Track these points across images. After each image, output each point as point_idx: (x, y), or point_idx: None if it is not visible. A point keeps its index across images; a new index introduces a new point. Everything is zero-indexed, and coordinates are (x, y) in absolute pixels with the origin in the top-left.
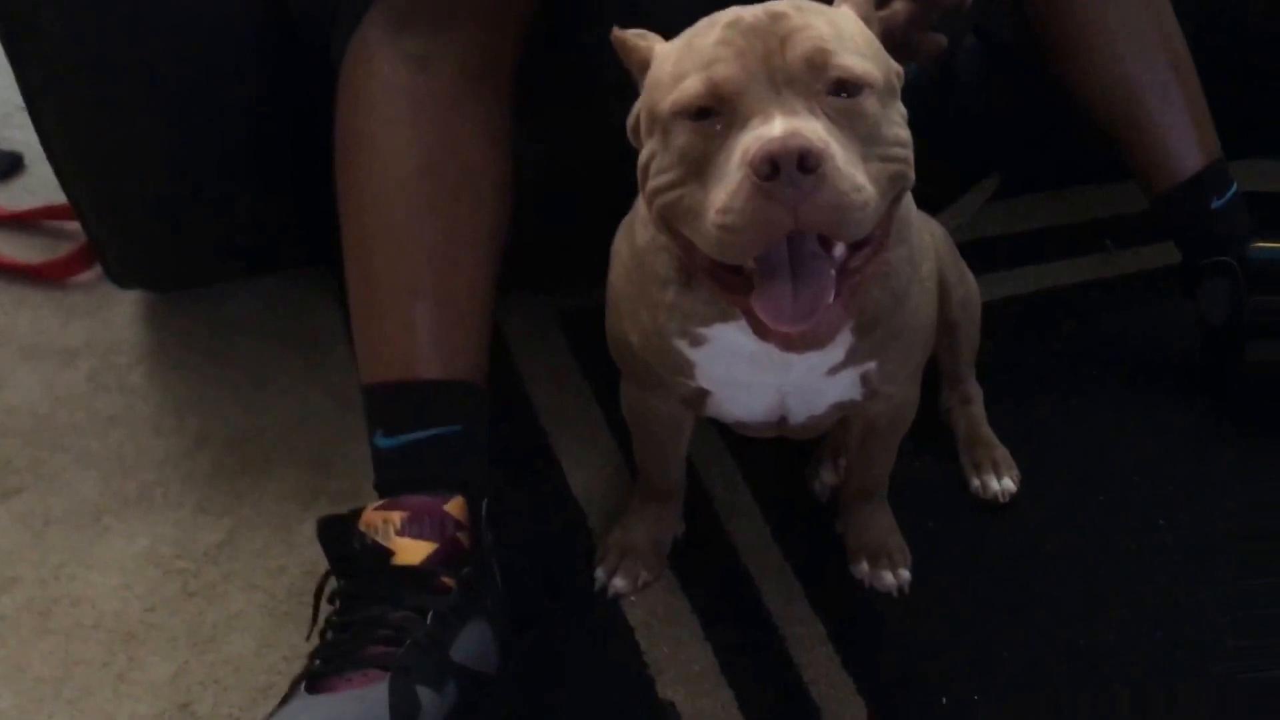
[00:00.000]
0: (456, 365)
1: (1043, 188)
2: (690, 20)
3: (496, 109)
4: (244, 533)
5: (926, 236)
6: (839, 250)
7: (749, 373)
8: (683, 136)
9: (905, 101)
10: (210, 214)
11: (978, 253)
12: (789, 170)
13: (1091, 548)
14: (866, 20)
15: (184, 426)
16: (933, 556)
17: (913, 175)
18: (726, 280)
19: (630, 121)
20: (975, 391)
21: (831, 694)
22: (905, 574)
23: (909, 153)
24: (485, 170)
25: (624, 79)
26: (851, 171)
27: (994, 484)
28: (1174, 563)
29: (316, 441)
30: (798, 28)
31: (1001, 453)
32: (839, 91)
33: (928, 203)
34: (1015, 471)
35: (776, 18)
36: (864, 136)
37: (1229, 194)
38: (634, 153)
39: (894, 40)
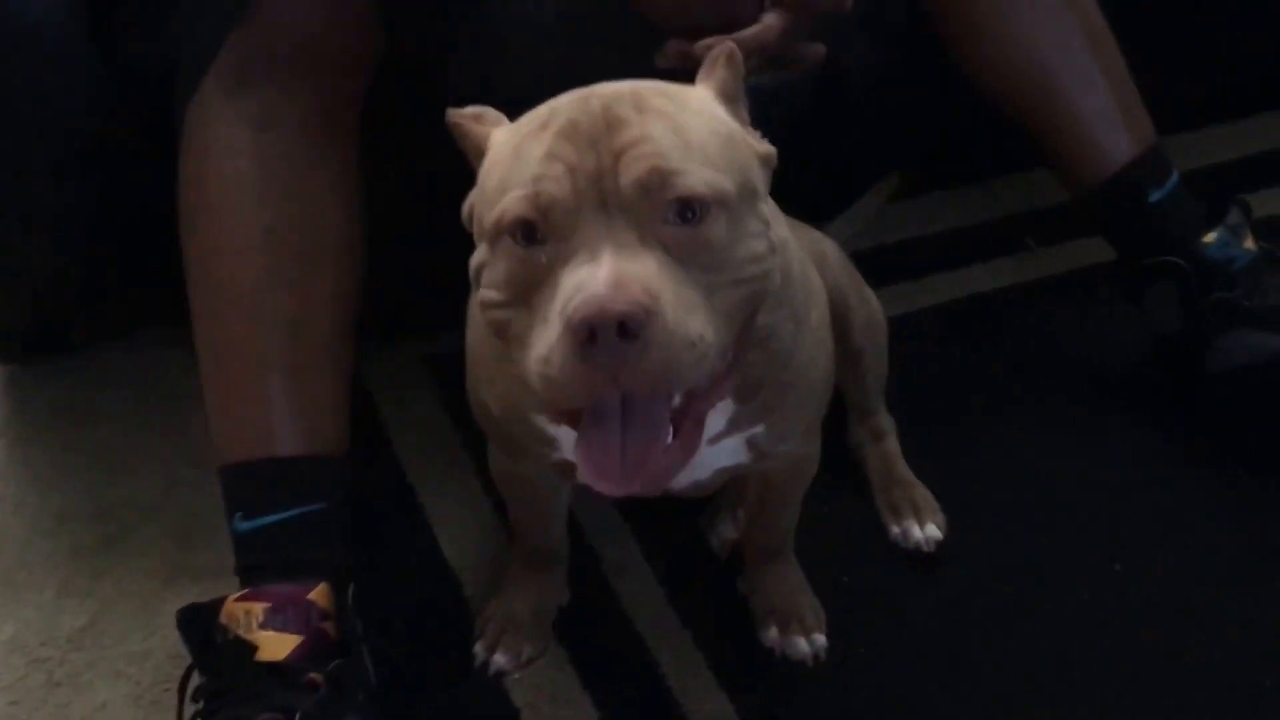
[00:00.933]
0: (315, 439)
1: (948, 183)
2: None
3: (343, 166)
4: (107, 615)
5: (814, 276)
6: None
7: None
8: (508, 260)
9: (787, 101)
10: (59, 282)
11: (880, 262)
12: (607, 338)
13: (1034, 600)
14: (730, 99)
15: (46, 503)
16: (850, 617)
17: (776, 281)
18: (556, 409)
19: (465, 210)
20: (888, 424)
21: None
22: (821, 639)
23: (768, 263)
24: (334, 232)
25: None
26: (685, 324)
27: (916, 532)
28: (1132, 614)
29: (181, 513)
30: (633, 141)
31: (922, 493)
32: (683, 213)
33: (819, 211)
34: (940, 515)
35: (613, 126)
36: (710, 265)
37: (1169, 184)
38: None
39: (770, 55)
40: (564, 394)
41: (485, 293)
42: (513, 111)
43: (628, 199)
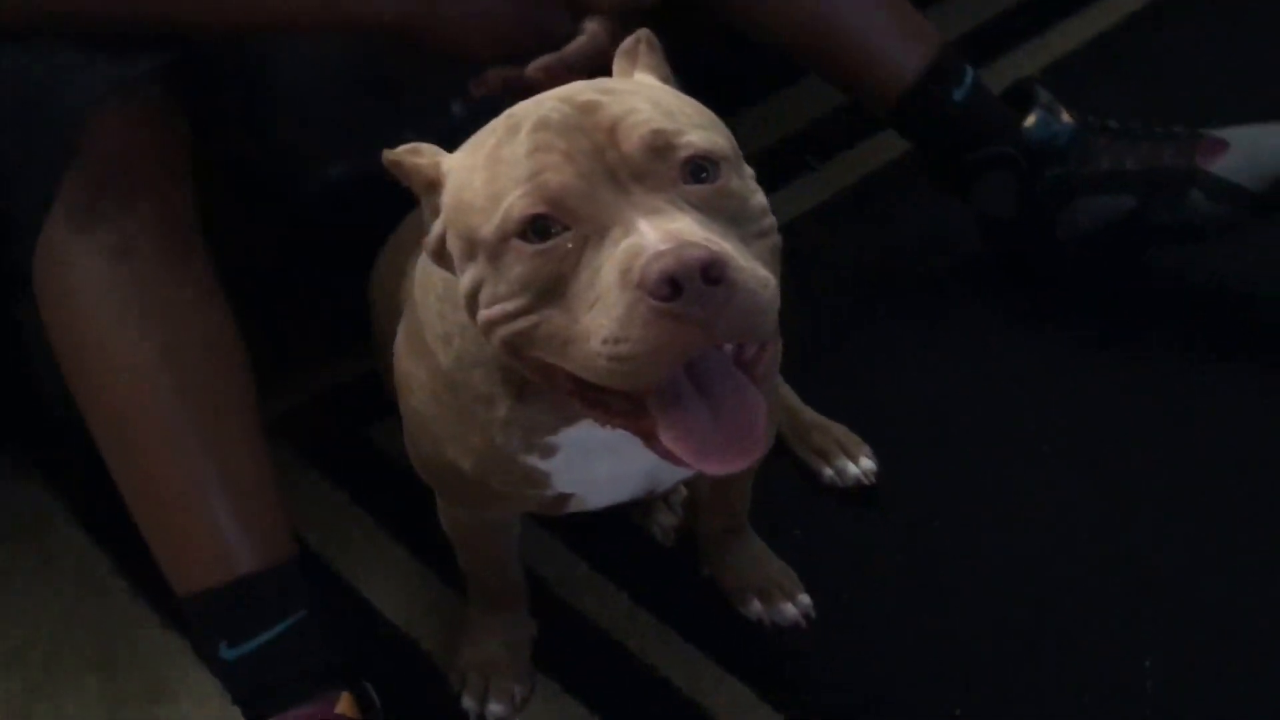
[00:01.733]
0: (273, 547)
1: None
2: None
3: (205, 268)
4: None
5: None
6: (728, 348)
7: (613, 465)
8: (522, 263)
9: None
10: None
11: None
12: (694, 286)
13: (979, 502)
14: (666, 81)
15: None
16: (815, 568)
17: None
18: (611, 405)
19: (431, 245)
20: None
21: None
22: (805, 599)
23: (772, 217)
24: (219, 334)
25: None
26: (752, 265)
27: (851, 468)
28: (1072, 489)
29: (95, 639)
30: (620, 114)
31: (841, 430)
32: (696, 174)
33: None
34: (866, 446)
35: (588, 109)
36: (736, 218)
37: (968, 80)
38: (322, 234)
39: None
40: (644, 368)
41: (493, 310)
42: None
43: (639, 166)
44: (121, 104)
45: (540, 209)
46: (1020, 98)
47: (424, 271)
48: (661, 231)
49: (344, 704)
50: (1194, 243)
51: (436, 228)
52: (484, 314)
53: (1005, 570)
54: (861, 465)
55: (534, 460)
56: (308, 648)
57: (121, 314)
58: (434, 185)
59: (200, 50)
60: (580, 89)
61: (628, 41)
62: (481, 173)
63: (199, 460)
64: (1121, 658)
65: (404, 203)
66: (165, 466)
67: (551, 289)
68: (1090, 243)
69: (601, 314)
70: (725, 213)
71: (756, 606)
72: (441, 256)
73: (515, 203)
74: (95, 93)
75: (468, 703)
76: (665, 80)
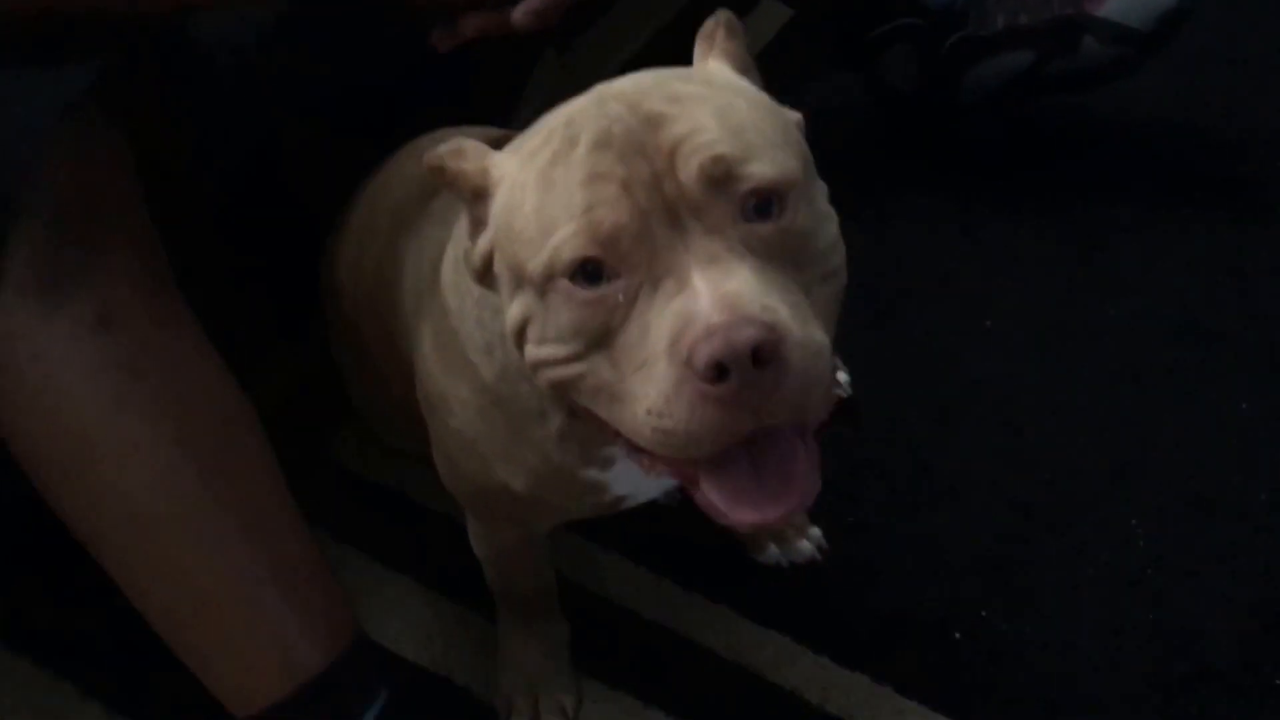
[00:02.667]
0: (338, 629)
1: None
2: None
3: (189, 318)
4: None
5: None
6: None
7: None
8: (570, 308)
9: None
10: None
11: None
12: (743, 371)
13: (942, 396)
14: (745, 71)
15: None
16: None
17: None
18: (655, 455)
19: (476, 263)
20: None
21: (863, 699)
22: (816, 532)
23: (842, 249)
24: (225, 396)
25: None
26: (809, 333)
27: (804, 546)
28: (1027, 369)
29: None
30: (683, 134)
31: None
32: (760, 207)
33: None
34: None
35: (652, 123)
36: (800, 261)
37: None
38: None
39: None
40: (688, 446)
41: (540, 350)
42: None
43: (696, 201)
44: (69, 136)
45: (592, 252)
46: None
47: (456, 273)
48: (717, 296)
49: None
50: (1090, 88)
51: (483, 244)
52: (532, 352)
53: (985, 461)
54: (812, 538)
55: (593, 473)
56: None
57: (118, 399)
58: (481, 194)
59: (125, 41)
60: (647, 91)
61: (707, 25)
62: (533, 196)
63: (243, 550)
64: (1111, 523)
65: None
66: (206, 568)
67: (600, 339)
68: (991, 102)
69: (649, 383)
70: (789, 254)
71: (773, 551)
72: (485, 276)
73: (565, 242)
74: (36, 123)
75: None
76: (744, 69)
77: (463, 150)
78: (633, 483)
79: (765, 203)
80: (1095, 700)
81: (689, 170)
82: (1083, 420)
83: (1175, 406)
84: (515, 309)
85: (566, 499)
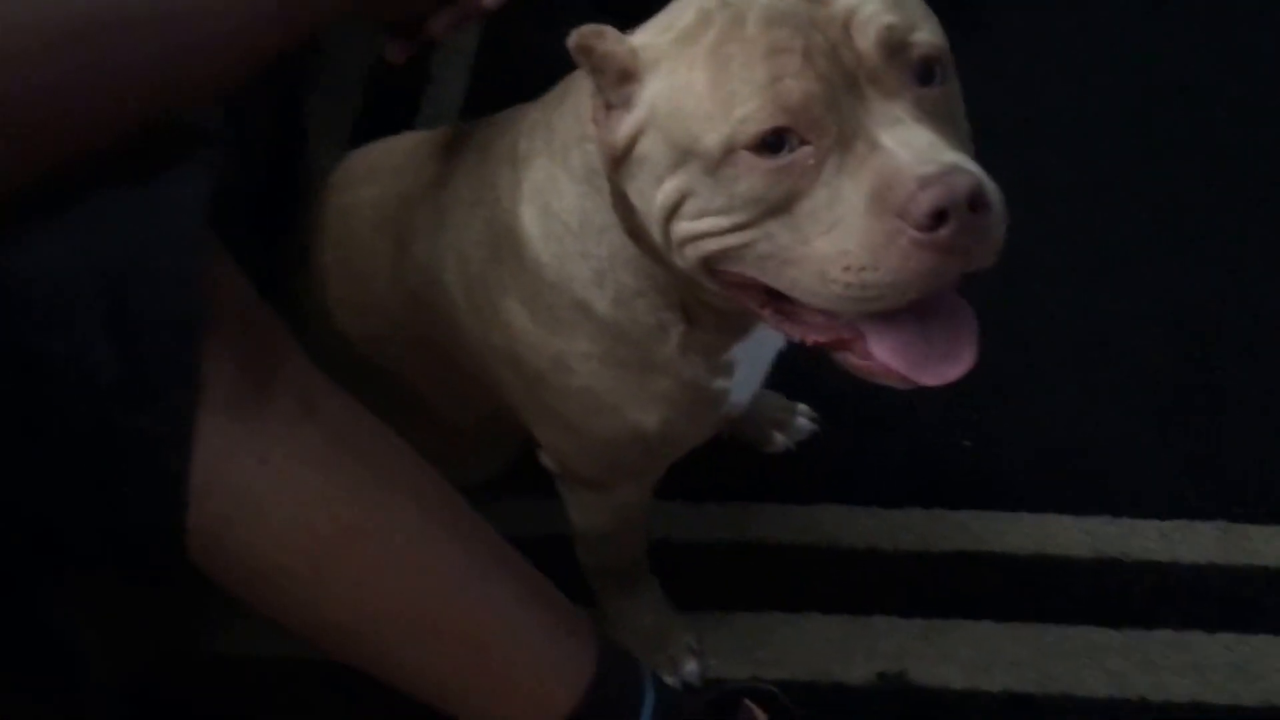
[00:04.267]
0: (592, 634)
1: None
2: None
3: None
4: None
5: None
6: None
7: (767, 359)
8: (752, 178)
9: None
10: None
11: None
12: (962, 216)
13: None
14: None
15: None
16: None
17: None
18: (809, 321)
19: (618, 145)
20: None
21: (925, 528)
22: (804, 407)
23: None
24: (409, 444)
25: None
26: (992, 182)
27: (803, 423)
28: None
29: None
30: (852, 5)
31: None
32: (926, 75)
33: None
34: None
35: None
36: (957, 125)
37: None
38: None
39: None
40: (896, 296)
41: (699, 224)
42: None
43: (874, 70)
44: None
45: (782, 121)
46: None
47: (546, 218)
48: (914, 151)
49: None
50: None
51: (627, 128)
52: (686, 227)
53: None
54: (803, 413)
55: (720, 382)
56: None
57: (353, 479)
58: (628, 76)
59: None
60: None
61: None
62: (703, 73)
63: (501, 588)
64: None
65: None
66: (476, 615)
67: (781, 206)
68: None
69: (845, 239)
70: (950, 119)
71: (779, 438)
72: (620, 164)
73: (753, 114)
74: (187, 232)
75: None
76: None
77: (603, 31)
78: (743, 389)
79: (930, 69)
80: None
81: (866, 38)
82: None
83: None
84: (670, 187)
85: (695, 423)
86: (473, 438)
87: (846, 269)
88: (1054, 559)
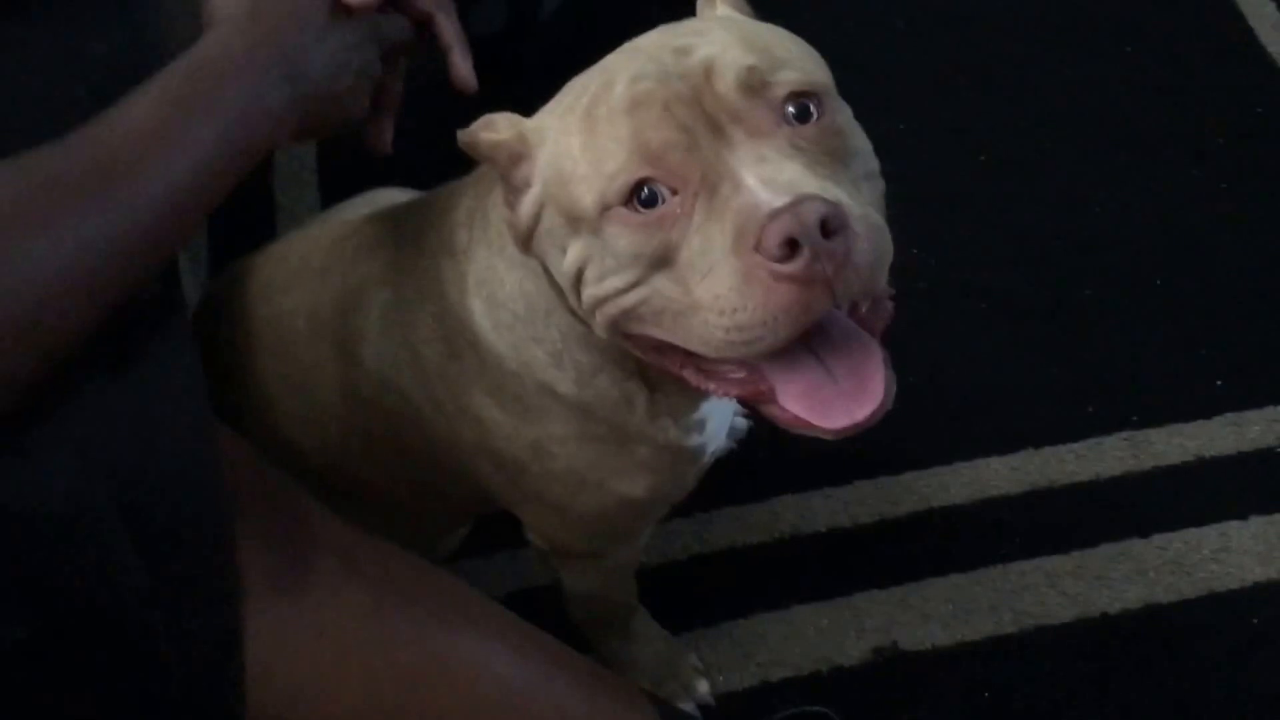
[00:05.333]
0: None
1: None
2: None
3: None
4: None
5: None
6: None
7: (732, 406)
8: (629, 233)
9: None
10: None
11: None
12: (814, 242)
13: None
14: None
15: None
16: None
17: None
18: (725, 375)
19: (523, 224)
20: None
21: (942, 484)
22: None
23: (876, 161)
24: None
25: None
26: (866, 210)
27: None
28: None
29: None
30: (714, 54)
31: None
32: (800, 111)
33: None
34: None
35: (682, 52)
36: (843, 158)
37: None
38: None
39: None
40: (770, 336)
41: (601, 287)
42: None
43: (737, 108)
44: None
45: (645, 172)
46: None
47: (491, 308)
48: (773, 186)
49: None
50: None
51: (528, 205)
52: (591, 291)
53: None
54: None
55: (695, 438)
56: None
57: (414, 622)
58: (519, 158)
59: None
60: (671, 33)
61: None
62: (578, 137)
63: (565, 689)
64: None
65: None
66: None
67: (661, 258)
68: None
69: (717, 283)
70: (832, 153)
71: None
72: (529, 241)
73: (619, 167)
74: (193, 417)
75: (688, 706)
76: (747, 15)
77: (492, 122)
78: (719, 435)
79: (803, 106)
80: None
81: (725, 81)
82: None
83: None
84: (571, 257)
85: (679, 480)
86: (442, 518)
87: (722, 313)
88: (994, 500)
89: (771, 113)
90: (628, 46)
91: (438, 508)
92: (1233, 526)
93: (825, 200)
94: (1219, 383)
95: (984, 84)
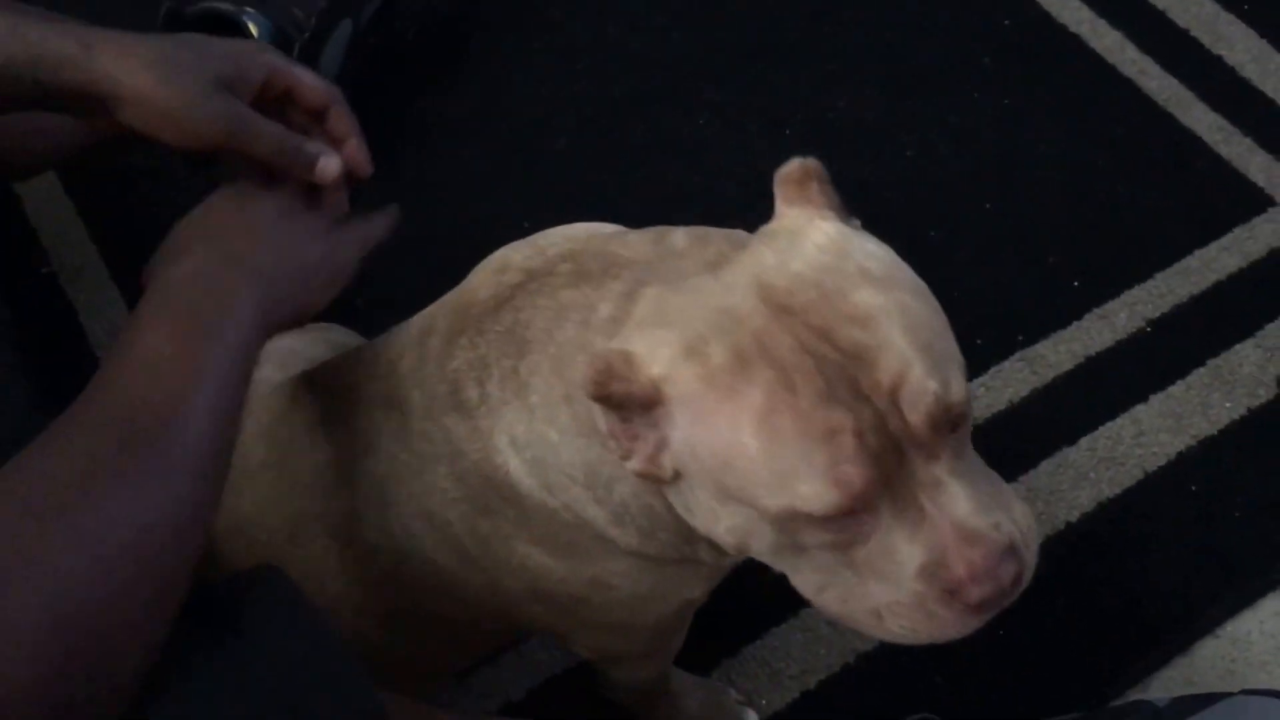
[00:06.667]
0: None
1: None
2: None
3: None
4: None
5: None
6: None
7: None
8: (810, 534)
9: None
10: None
11: None
12: (1000, 587)
13: None
14: (847, 218)
15: None
16: None
17: None
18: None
19: (645, 463)
20: None
21: None
22: None
23: None
24: None
25: None
26: (1026, 521)
27: None
28: None
29: None
30: (896, 372)
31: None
32: (955, 426)
33: None
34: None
35: (856, 358)
36: (971, 448)
37: None
38: None
39: None
40: (930, 638)
41: (755, 547)
42: None
43: (922, 439)
44: None
45: (845, 508)
46: None
47: (541, 473)
48: (961, 531)
49: None
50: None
51: (665, 461)
52: (738, 544)
53: None
54: None
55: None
56: None
57: None
58: (651, 404)
59: None
60: (827, 307)
61: (793, 170)
62: (755, 440)
63: None
64: None
65: None
66: None
67: (837, 547)
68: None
69: (894, 592)
70: (965, 457)
71: None
72: (653, 478)
73: (815, 495)
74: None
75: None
76: (838, 211)
77: (613, 370)
78: None
79: (961, 416)
80: None
81: (916, 412)
82: None
83: None
84: (728, 522)
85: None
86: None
87: (890, 616)
88: None
89: (943, 433)
90: (771, 296)
91: (465, 652)
92: (1140, 410)
93: (1011, 552)
94: (1075, 283)
95: (776, 55)
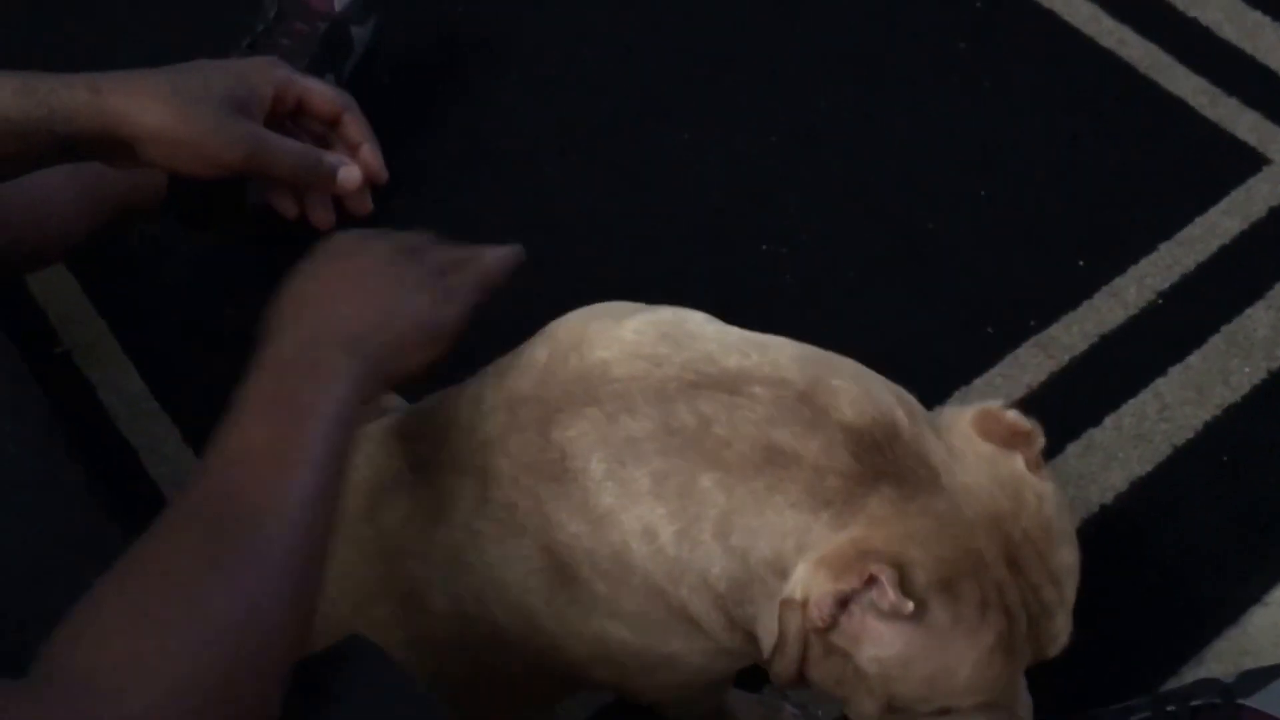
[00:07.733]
0: None
1: None
2: None
3: None
4: None
5: None
6: None
7: None
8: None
9: None
10: None
11: None
12: None
13: None
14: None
15: None
16: None
17: None
18: None
19: (837, 638)
20: None
21: None
22: None
23: None
24: None
25: None
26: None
27: None
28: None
29: None
30: (1064, 629)
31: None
32: None
33: None
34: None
35: (1048, 614)
36: None
37: None
38: None
39: None
40: None
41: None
42: None
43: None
44: None
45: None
46: None
47: (662, 560)
48: None
49: None
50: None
51: (853, 628)
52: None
53: None
54: None
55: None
56: None
57: None
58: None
59: None
60: (1033, 557)
61: (1018, 423)
62: (970, 669)
63: None
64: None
65: None
66: None
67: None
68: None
69: None
70: None
71: None
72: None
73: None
74: None
75: None
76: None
77: (880, 579)
78: None
79: None
80: None
81: (1055, 647)
82: None
83: None
84: (869, 701)
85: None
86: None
87: None
88: None
89: None
90: (992, 520)
91: (521, 705)
92: (1160, 384)
93: None
94: (1081, 263)
95: (750, 64)
